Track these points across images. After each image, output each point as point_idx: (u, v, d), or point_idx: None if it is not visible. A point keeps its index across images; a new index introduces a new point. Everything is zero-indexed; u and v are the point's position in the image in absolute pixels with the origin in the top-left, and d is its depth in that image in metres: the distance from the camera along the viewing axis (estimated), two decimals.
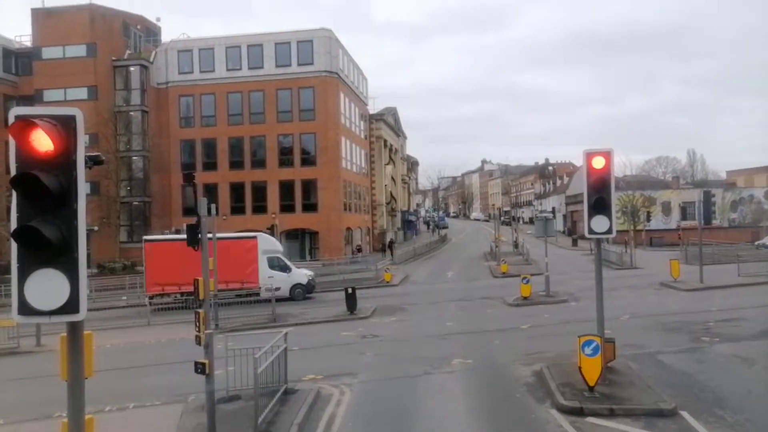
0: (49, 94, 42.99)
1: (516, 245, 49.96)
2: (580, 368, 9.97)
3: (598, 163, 10.14)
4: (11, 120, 4.07)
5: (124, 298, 30.04)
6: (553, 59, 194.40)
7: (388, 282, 30.41)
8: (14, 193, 4.12)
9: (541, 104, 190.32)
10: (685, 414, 9.26)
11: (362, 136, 53.83)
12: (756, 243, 43.53)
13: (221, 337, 12.46)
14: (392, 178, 64.22)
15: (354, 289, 20.56)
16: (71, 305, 4.13)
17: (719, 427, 8.77)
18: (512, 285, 23.83)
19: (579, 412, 9.46)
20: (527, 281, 21.61)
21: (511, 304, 21.49)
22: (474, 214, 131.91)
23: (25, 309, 4.13)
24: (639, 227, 52.18)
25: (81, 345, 4.49)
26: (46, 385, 12.25)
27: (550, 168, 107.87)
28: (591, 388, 9.94)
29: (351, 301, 20.29)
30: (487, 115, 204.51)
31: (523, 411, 9.98)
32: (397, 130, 68.46)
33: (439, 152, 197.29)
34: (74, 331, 4.45)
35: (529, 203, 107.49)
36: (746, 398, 10.07)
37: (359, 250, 46.28)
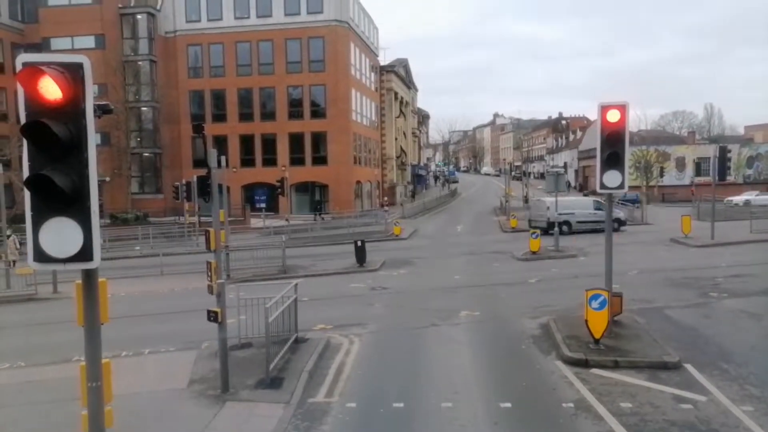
0: (56, 43, 42.41)
1: (526, 200, 49.72)
2: (586, 321, 10.07)
3: (613, 116, 9.91)
4: (18, 67, 4.04)
5: (138, 248, 30.56)
6: (555, 8, 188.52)
7: (397, 235, 30.59)
8: (25, 142, 4.13)
9: (547, 54, 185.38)
10: (689, 367, 9.40)
11: (372, 88, 52.91)
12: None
13: (233, 287, 12.71)
14: (403, 132, 63.54)
15: (363, 242, 20.74)
16: (85, 253, 4.21)
17: (722, 380, 8.90)
18: (522, 240, 23.92)
19: (584, 364, 9.62)
20: (536, 236, 21.64)
21: (520, 258, 21.60)
22: (485, 169, 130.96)
23: (41, 256, 4.21)
24: (652, 183, 51.60)
25: (96, 292, 4.59)
26: (64, 330, 12.63)
27: (564, 122, 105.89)
28: (596, 341, 10.08)
29: (360, 253, 20.50)
30: (497, 65, 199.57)
31: (529, 362, 10.17)
32: (408, 83, 67.20)
33: (450, 106, 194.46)
34: (89, 278, 4.54)
35: (541, 158, 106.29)
36: (751, 352, 10.17)
37: (383, 205, 46.25)
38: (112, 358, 10.52)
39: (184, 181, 30.59)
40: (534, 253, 21.60)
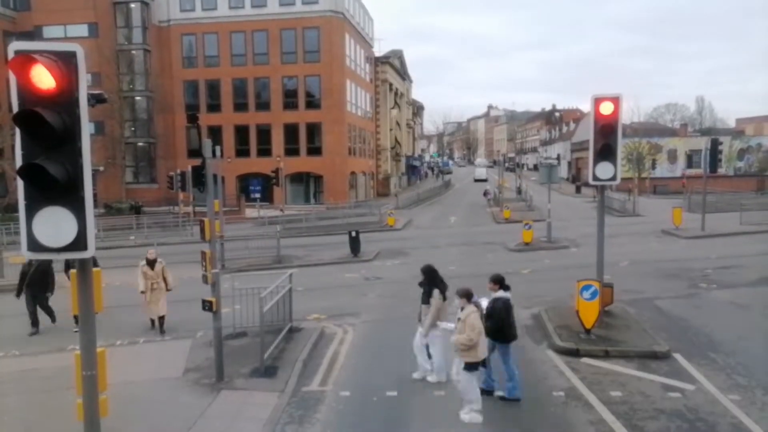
0: (49, 31, 41.98)
1: (519, 191, 49.89)
2: (577, 312, 10.20)
3: (606, 108, 9.97)
4: (11, 55, 4.02)
5: (132, 237, 30.46)
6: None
7: (391, 226, 30.64)
8: (18, 131, 4.12)
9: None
10: (678, 356, 9.55)
11: (367, 79, 52.74)
12: None
13: (227, 277, 12.75)
14: (397, 123, 63.43)
15: (358, 233, 20.78)
16: (79, 242, 4.22)
17: (710, 369, 9.05)
18: (514, 231, 24.02)
19: (575, 353, 9.75)
20: (529, 227, 21.76)
21: (513, 249, 21.73)
22: (478, 160, 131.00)
23: (35, 246, 4.23)
24: (644, 175, 51.86)
25: (90, 281, 4.61)
26: (58, 319, 12.67)
27: (557, 114, 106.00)
28: (587, 331, 10.21)
29: (355, 244, 20.56)
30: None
31: (521, 351, 10.23)
32: (403, 74, 67.01)
33: (445, 98, 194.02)
34: (83, 267, 4.56)
35: (534, 150, 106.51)
36: (739, 343, 10.34)
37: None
38: (108, 346, 10.58)
39: (178, 171, 30.45)
40: (527, 244, 21.74)
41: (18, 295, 12.45)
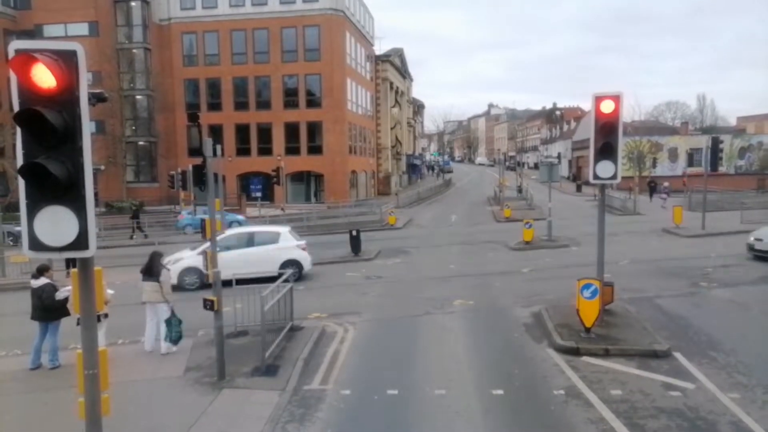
0: (49, 29, 42.02)
1: (520, 190, 49.87)
2: (578, 310, 10.21)
3: (607, 107, 9.97)
4: (11, 54, 4.02)
5: (134, 237, 30.50)
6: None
7: (392, 225, 30.66)
8: (19, 130, 4.12)
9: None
10: (678, 355, 9.56)
11: (368, 77, 52.75)
12: None
13: (228, 275, 12.72)
14: (398, 122, 63.41)
15: (359, 232, 20.80)
16: (80, 241, 4.22)
17: (711, 368, 9.06)
18: (515, 229, 24.04)
19: (575, 352, 9.76)
20: (530, 226, 21.76)
21: (513, 248, 21.74)
22: (479, 159, 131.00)
23: (36, 245, 4.23)
24: (644, 173, 51.80)
25: (92, 280, 4.61)
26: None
27: (558, 112, 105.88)
28: (588, 330, 10.22)
29: (355, 243, 20.57)
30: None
31: (521, 350, 10.31)
32: (404, 72, 66.97)
33: (446, 96, 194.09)
34: (84, 267, 4.55)
35: (535, 148, 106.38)
36: (740, 341, 10.34)
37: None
38: (109, 345, 10.61)
39: (179, 170, 30.46)
40: (527, 243, 21.74)
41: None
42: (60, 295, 9.66)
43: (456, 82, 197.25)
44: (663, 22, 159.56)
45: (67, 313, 9.68)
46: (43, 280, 9.96)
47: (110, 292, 10.46)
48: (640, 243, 22.16)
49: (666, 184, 40.18)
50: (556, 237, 22.86)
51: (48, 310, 9.77)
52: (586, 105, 70.37)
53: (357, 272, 18.12)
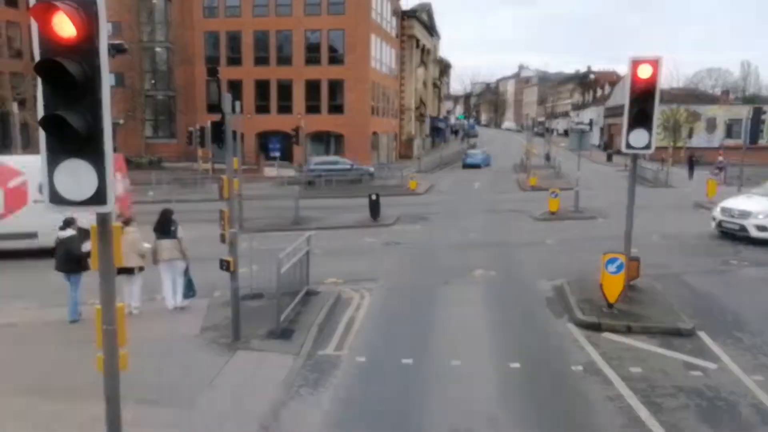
0: None
1: (548, 158, 48.80)
2: (601, 285, 9.94)
3: (644, 72, 9.40)
4: (32, 2, 3.95)
5: (151, 193, 30.76)
6: None
7: (413, 190, 30.33)
8: (39, 81, 4.07)
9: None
10: (702, 334, 9.29)
11: (393, 34, 51.35)
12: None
13: (245, 237, 12.70)
14: (423, 82, 62.04)
15: (378, 196, 20.54)
16: (99, 196, 4.20)
17: (735, 348, 8.80)
18: (540, 199, 23.54)
19: (596, 328, 9.55)
20: (556, 195, 21.21)
21: (538, 218, 21.28)
22: (506, 124, 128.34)
23: (56, 198, 4.22)
24: (680, 144, 50.12)
25: (110, 236, 4.58)
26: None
27: (592, 76, 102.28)
28: (610, 305, 9.96)
29: (374, 208, 20.35)
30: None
31: (541, 324, 10.12)
32: (431, 29, 65.06)
33: (474, 56, 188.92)
34: (103, 222, 4.53)
35: (566, 114, 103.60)
36: (767, 322, 9.97)
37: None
38: (148, 300, 10.75)
39: (198, 126, 30.38)
40: (553, 213, 21.25)
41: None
42: (86, 247, 9.74)
43: (482, 40, 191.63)
44: None
45: (87, 267, 9.79)
46: (69, 231, 10.08)
47: (147, 245, 10.56)
48: (671, 217, 21.48)
49: (720, 158, 37.91)
50: (584, 208, 22.28)
51: (72, 261, 9.91)
52: (622, 69, 67.67)
53: (375, 238, 17.97)
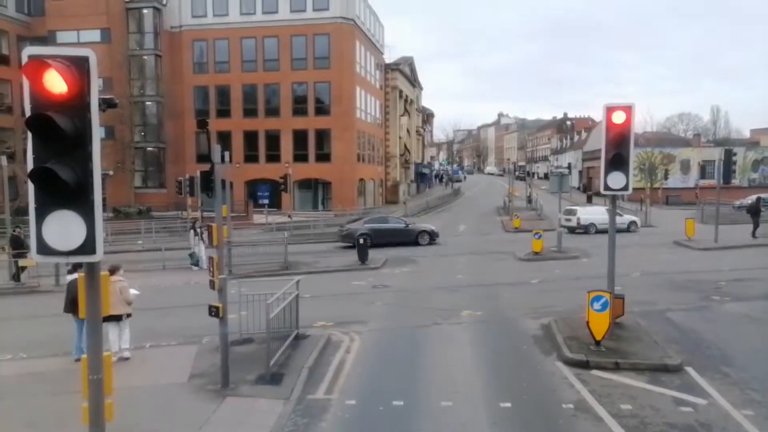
0: (62, 36, 42.59)
1: (530, 200, 49.68)
2: (587, 323, 10.06)
3: (618, 117, 9.87)
4: (24, 59, 4.05)
5: (140, 242, 30.62)
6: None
7: None
8: (30, 135, 4.15)
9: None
10: (690, 370, 9.38)
11: (377, 85, 52.91)
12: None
13: (234, 283, 12.70)
14: (407, 130, 63.49)
15: (366, 240, 20.71)
16: (88, 246, 4.23)
17: (723, 383, 8.87)
18: (524, 240, 23.93)
19: (584, 365, 9.61)
20: (539, 236, 21.58)
21: (523, 258, 21.56)
22: (488, 168, 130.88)
23: (44, 249, 4.24)
24: (656, 185, 51.43)
25: (98, 285, 4.61)
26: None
27: (569, 122, 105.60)
28: (597, 343, 10.06)
29: (362, 251, 20.49)
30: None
31: (529, 362, 10.16)
32: (413, 81, 67.14)
33: (455, 106, 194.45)
34: (92, 271, 4.55)
35: (545, 158, 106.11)
36: (753, 357, 10.14)
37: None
38: (136, 349, 10.59)
39: (187, 176, 30.57)
40: (536, 253, 21.57)
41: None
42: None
43: (463, 91, 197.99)
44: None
45: None
46: (76, 275, 10.19)
47: (135, 292, 10.53)
48: (651, 255, 21.92)
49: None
50: (566, 248, 22.68)
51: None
52: (598, 116, 70.35)
53: (364, 281, 18.02)
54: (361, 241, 20.49)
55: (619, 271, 11.32)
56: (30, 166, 4.14)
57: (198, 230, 21.24)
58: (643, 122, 69.00)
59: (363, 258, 20.56)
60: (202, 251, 20.95)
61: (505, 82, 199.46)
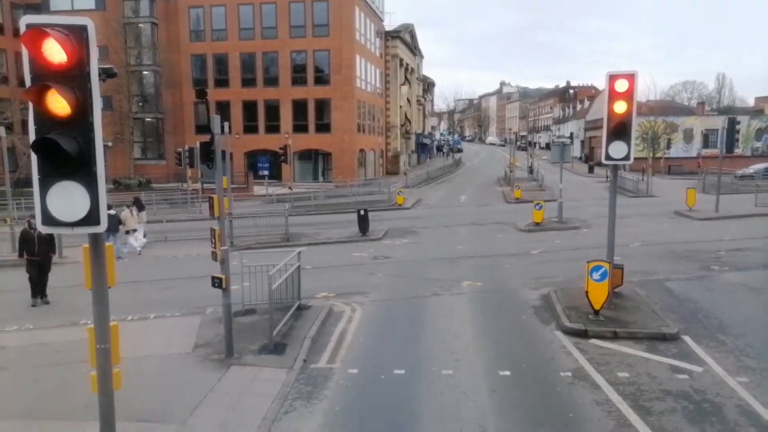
0: (56, 3, 41.87)
1: (531, 171, 49.46)
2: (586, 293, 10.15)
3: (621, 86, 9.75)
4: (22, 29, 4.01)
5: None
6: None
7: (400, 205, 30.59)
8: (31, 105, 4.13)
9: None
10: (687, 338, 9.52)
11: (377, 54, 52.10)
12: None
13: (236, 254, 12.82)
14: (407, 99, 62.79)
15: (366, 211, 20.74)
16: (92, 217, 4.26)
17: (719, 351, 9.02)
18: (525, 211, 23.96)
19: (583, 334, 9.74)
20: (540, 207, 21.59)
21: (523, 229, 21.62)
22: (490, 138, 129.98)
23: (49, 220, 4.27)
24: (658, 155, 51.15)
25: (103, 256, 4.64)
26: (71, 294, 12.86)
27: (571, 91, 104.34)
28: (596, 312, 10.18)
29: (363, 222, 20.54)
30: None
31: (529, 332, 10.30)
32: (414, 49, 66.04)
33: (456, 74, 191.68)
34: (96, 242, 4.59)
35: (547, 128, 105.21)
36: (749, 325, 10.27)
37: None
38: (119, 321, 10.69)
39: (186, 147, 30.40)
40: (537, 224, 21.61)
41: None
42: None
43: (463, 59, 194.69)
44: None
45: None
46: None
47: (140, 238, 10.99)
48: (651, 225, 21.96)
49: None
50: (567, 218, 22.70)
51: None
52: (600, 84, 69.03)
53: (364, 252, 18.12)
54: (362, 212, 20.50)
55: (618, 241, 11.37)
56: (32, 137, 4.13)
57: (132, 210, 19.42)
58: (647, 90, 68.26)
59: (364, 229, 20.65)
60: (139, 238, 19.40)
61: (487, 51, 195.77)
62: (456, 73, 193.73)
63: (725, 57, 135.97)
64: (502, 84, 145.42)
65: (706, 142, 58.60)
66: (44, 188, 4.20)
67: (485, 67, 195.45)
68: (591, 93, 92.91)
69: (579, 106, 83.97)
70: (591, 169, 54.62)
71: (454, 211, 29.01)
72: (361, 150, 46.72)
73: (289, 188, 35.31)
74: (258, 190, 37.17)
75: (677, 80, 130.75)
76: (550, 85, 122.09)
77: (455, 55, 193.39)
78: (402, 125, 60.58)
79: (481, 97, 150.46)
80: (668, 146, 50.44)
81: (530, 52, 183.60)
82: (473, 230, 22.37)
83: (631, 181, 37.61)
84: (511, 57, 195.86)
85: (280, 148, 32.30)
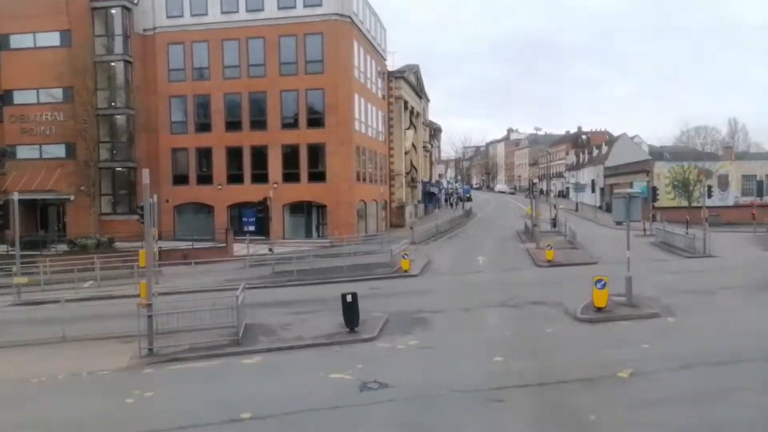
0: (17, 40, 37.35)
1: (554, 223, 43.49)
2: None
3: None
4: None
5: (88, 284, 24.82)
6: None
7: (405, 271, 24.35)
8: None
9: None
10: None
11: (379, 95, 47.09)
12: None
13: (149, 373, 6.54)
14: (413, 145, 57.52)
15: (355, 297, 14.04)
16: None
17: None
18: (566, 280, 17.86)
19: None
20: (603, 285, 15.12)
21: (581, 318, 15.05)
22: (498, 186, 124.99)
23: None
24: (694, 204, 45.52)
25: None
26: None
27: (584, 137, 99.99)
28: None
29: (350, 313, 13.99)
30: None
31: None
32: (419, 92, 61.38)
33: (463, 121, 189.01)
34: None
35: (560, 175, 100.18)
36: None
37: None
38: None
39: (154, 199, 24.83)
40: (599, 309, 15.18)
41: None
42: None
43: (470, 105, 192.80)
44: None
45: None
46: None
47: None
48: (754, 307, 15.56)
49: None
50: (636, 297, 16.28)
51: None
52: (615, 129, 64.53)
53: (348, 370, 11.34)
54: (349, 298, 13.98)
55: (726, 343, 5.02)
56: None
57: None
58: (656, 140, 63.31)
59: (351, 323, 14.08)
60: None
61: (471, 101, 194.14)
62: (461, 121, 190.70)
63: (731, 102, 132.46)
64: (510, 131, 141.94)
65: (744, 190, 54.11)
66: None
67: (488, 115, 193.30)
68: (605, 138, 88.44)
69: (595, 152, 78.82)
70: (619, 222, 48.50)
71: (474, 281, 22.66)
72: (361, 201, 40.89)
73: (270, 249, 29.27)
74: (239, 249, 31.33)
75: (682, 127, 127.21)
76: (558, 131, 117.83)
77: (454, 105, 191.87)
78: (407, 173, 55.04)
79: (488, 144, 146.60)
80: (709, 195, 44.45)
81: (529, 100, 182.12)
82: (507, 317, 15.96)
83: (681, 237, 31.47)
84: (512, 105, 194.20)
85: (258, 202, 26.48)
